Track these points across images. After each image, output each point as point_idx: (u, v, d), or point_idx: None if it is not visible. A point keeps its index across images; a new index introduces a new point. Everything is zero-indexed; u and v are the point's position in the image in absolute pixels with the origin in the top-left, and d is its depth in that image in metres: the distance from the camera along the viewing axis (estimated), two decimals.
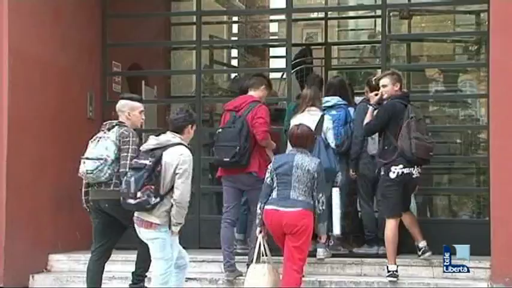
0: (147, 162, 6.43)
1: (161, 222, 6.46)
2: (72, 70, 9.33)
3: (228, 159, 7.76)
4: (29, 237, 8.47)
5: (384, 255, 7.92)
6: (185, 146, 6.60)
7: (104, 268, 7.36)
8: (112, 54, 10.18)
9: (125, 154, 6.94)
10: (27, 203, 8.42)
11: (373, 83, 8.59)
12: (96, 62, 9.92)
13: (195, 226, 9.49)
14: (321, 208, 7.06)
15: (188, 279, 8.03)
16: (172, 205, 6.43)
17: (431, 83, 12.89)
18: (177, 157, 6.45)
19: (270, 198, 7.13)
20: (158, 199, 6.41)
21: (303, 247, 7.02)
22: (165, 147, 6.50)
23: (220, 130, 8.08)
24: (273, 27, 15.83)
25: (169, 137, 6.61)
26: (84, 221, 9.37)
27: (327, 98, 8.83)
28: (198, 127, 9.82)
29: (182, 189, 6.42)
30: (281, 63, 11.90)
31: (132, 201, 6.43)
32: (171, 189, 6.45)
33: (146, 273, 7.28)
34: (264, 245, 7.15)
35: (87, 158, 7.03)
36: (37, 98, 8.66)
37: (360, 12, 14.70)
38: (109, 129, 7.15)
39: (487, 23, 8.83)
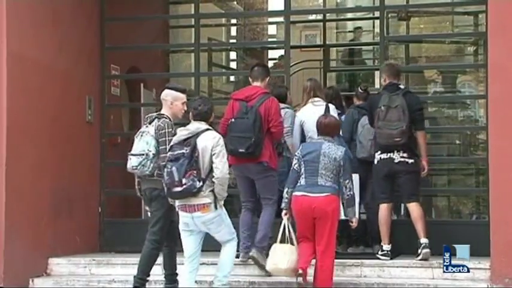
0: (183, 151, 6.86)
1: (211, 200, 6.93)
2: (71, 73, 9.33)
3: (243, 150, 7.84)
4: (29, 240, 8.47)
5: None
6: (214, 130, 7.12)
7: (158, 254, 7.65)
8: (110, 57, 10.18)
9: (163, 147, 7.24)
10: (26, 206, 8.42)
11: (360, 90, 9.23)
12: (95, 65, 9.92)
13: None
14: (348, 193, 7.43)
15: None
16: (214, 184, 6.90)
17: (430, 84, 12.90)
18: (211, 141, 6.94)
19: (299, 185, 7.49)
20: (201, 182, 6.85)
21: (332, 231, 7.42)
22: (197, 135, 6.96)
23: (233, 120, 8.06)
24: (272, 30, 15.84)
25: (197, 125, 7.06)
26: (83, 224, 9.45)
27: None
28: None
29: (221, 167, 6.91)
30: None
31: (178, 188, 6.83)
32: (210, 172, 6.91)
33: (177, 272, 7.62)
34: (288, 227, 7.50)
35: (132, 154, 7.38)
36: (36, 102, 8.65)
37: (359, 14, 14.71)
38: (150, 123, 7.49)
39: (485, 24, 8.83)
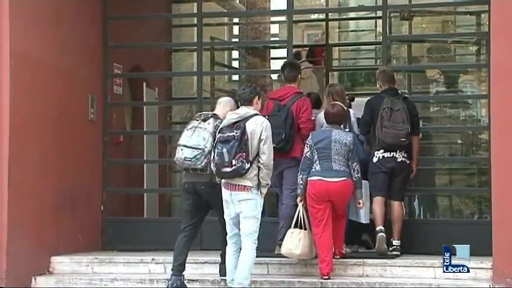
0: (233, 133, 7.23)
1: (253, 184, 7.26)
2: (74, 72, 9.34)
3: (274, 145, 7.94)
4: (31, 239, 8.48)
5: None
6: (262, 115, 7.48)
7: (190, 245, 7.95)
8: (113, 56, 10.19)
9: None
10: (29, 205, 8.43)
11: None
12: (98, 64, 9.93)
13: None
14: (356, 176, 8.00)
15: (190, 280, 8.06)
16: (259, 168, 7.25)
17: (432, 84, 12.89)
18: (260, 126, 7.31)
19: (314, 170, 8.00)
20: (249, 165, 7.20)
21: (345, 212, 8.21)
22: (246, 119, 7.31)
23: (266, 117, 8.14)
24: (274, 29, 15.81)
25: (246, 110, 7.43)
26: (86, 223, 9.46)
27: None
28: None
29: (268, 153, 7.30)
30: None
31: (228, 169, 7.20)
32: (257, 155, 7.26)
33: None
34: (303, 213, 7.97)
35: (185, 146, 7.68)
36: (39, 101, 8.67)
37: (361, 13, 14.70)
38: (204, 120, 7.80)
39: (487, 23, 8.84)
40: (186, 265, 8.12)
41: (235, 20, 15.03)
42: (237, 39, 15.32)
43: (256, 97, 7.54)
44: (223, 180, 7.37)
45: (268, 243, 8.78)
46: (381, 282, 7.77)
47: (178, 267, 7.80)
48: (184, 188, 7.95)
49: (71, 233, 9.15)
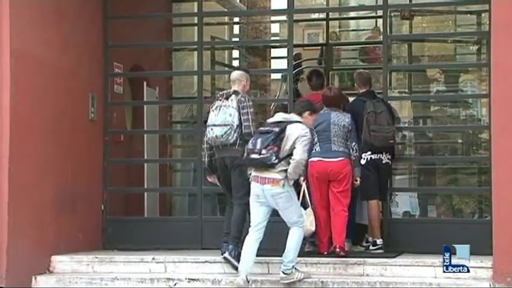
0: (273, 129, 7.58)
1: (282, 177, 7.51)
2: (74, 71, 9.34)
3: None
4: (32, 238, 8.48)
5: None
6: (305, 125, 7.76)
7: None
8: (114, 55, 10.18)
9: (246, 117, 8.06)
10: (29, 204, 8.43)
11: None
12: (98, 63, 9.92)
13: (198, 227, 9.51)
14: (355, 154, 8.47)
15: (190, 279, 8.07)
16: (290, 165, 7.50)
17: (432, 83, 12.90)
18: (299, 131, 7.59)
19: (314, 152, 8.42)
20: (277, 160, 7.46)
21: (346, 191, 8.43)
22: (289, 122, 7.66)
23: None
24: (274, 28, 15.83)
25: (293, 116, 7.83)
26: (86, 222, 9.46)
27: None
28: (199, 128, 9.90)
29: (301, 152, 7.53)
30: (282, 64, 11.93)
31: (256, 156, 7.51)
32: (287, 156, 7.51)
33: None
34: (306, 191, 8.36)
35: (214, 125, 8.12)
36: (39, 100, 8.66)
37: (361, 13, 14.72)
38: (227, 98, 8.22)
39: (488, 23, 8.84)
40: (186, 264, 8.14)
41: (236, 19, 15.04)
42: (237, 39, 15.32)
43: (306, 112, 7.88)
44: (253, 173, 7.63)
45: (269, 243, 8.80)
46: (381, 281, 7.77)
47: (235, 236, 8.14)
48: (218, 164, 8.29)
49: (71, 232, 9.15)
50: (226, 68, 14.33)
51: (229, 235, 8.19)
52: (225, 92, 8.42)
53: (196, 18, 10.45)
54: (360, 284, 7.76)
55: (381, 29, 10.43)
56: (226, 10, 14.09)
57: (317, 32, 15.72)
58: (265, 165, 7.49)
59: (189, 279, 8.06)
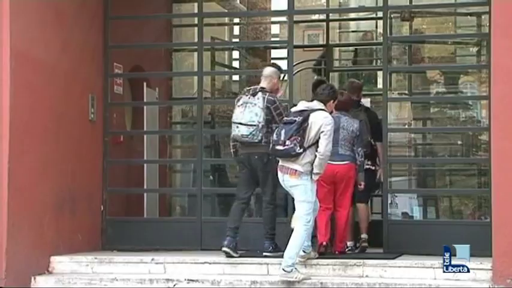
0: (296, 118, 7.70)
1: (304, 170, 7.68)
2: (74, 72, 9.33)
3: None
4: (31, 239, 8.47)
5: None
6: (328, 112, 7.92)
7: (244, 213, 8.64)
8: (114, 56, 10.18)
9: (281, 117, 8.21)
10: (29, 204, 8.43)
11: None
12: (98, 63, 9.93)
13: (197, 228, 9.52)
14: (360, 159, 8.66)
15: (190, 280, 8.07)
16: (315, 157, 7.65)
17: (432, 85, 12.90)
18: (322, 119, 7.74)
19: None
20: (302, 150, 7.63)
21: (349, 194, 8.65)
22: (312, 110, 7.79)
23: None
24: (275, 29, 15.82)
25: (316, 103, 7.91)
26: (85, 223, 9.46)
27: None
28: (200, 129, 9.91)
29: (325, 145, 7.67)
30: (282, 65, 11.90)
31: (280, 147, 7.68)
32: (313, 145, 7.67)
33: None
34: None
35: (240, 123, 8.26)
36: (39, 100, 8.66)
37: (361, 14, 14.70)
38: (253, 95, 8.35)
39: (488, 25, 8.84)
40: (185, 265, 8.14)
41: (236, 20, 15.03)
42: (237, 40, 15.32)
43: (331, 100, 8.02)
44: (279, 163, 7.83)
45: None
46: (380, 282, 7.77)
47: (235, 230, 8.40)
48: (240, 159, 8.49)
49: (70, 232, 9.15)
50: (227, 69, 14.36)
51: (232, 230, 8.39)
52: (252, 87, 8.53)
53: (196, 19, 10.45)
54: (359, 285, 7.76)
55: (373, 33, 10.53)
56: (226, 11, 14.09)
57: (317, 33, 15.71)
58: (289, 155, 7.65)
59: (188, 280, 8.06)
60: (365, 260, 8.21)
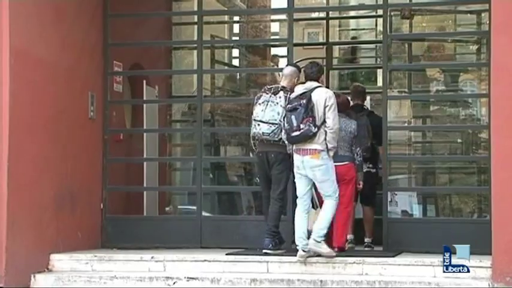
0: (300, 102, 7.91)
1: (323, 148, 7.93)
2: (74, 70, 9.33)
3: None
4: (31, 237, 8.47)
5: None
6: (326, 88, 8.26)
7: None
8: (113, 54, 10.18)
9: None
10: (28, 202, 8.42)
11: None
12: (98, 61, 9.92)
13: (197, 226, 9.51)
14: (359, 160, 8.76)
15: (189, 278, 8.06)
16: (326, 133, 7.90)
17: (432, 83, 12.91)
18: (324, 95, 8.01)
19: None
20: (316, 129, 7.87)
21: (349, 193, 8.65)
22: (311, 90, 8.00)
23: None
24: (274, 27, 15.81)
25: (310, 83, 8.12)
26: (85, 221, 9.46)
27: None
28: (199, 127, 9.90)
29: (333, 118, 7.96)
30: (282, 63, 11.91)
31: (296, 133, 7.90)
32: (324, 122, 7.92)
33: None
34: (314, 192, 8.40)
35: (261, 121, 8.31)
36: (38, 98, 8.65)
37: (361, 12, 14.70)
38: (275, 94, 8.41)
39: (488, 22, 8.83)
40: (185, 263, 8.12)
41: (236, 18, 15.03)
42: (237, 38, 15.32)
43: (322, 76, 8.33)
44: (294, 147, 8.01)
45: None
46: (380, 280, 7.77)
47: (272, 229, 8.40)
48: (259, 157, 8.56)
49: (70, 230, 9.14)
50: (226, 67, 14.36)
51: (269, 229, 8.44)
52: (273, 86, 8.61)
53: (196, 16, 10.45)
54: (359, 283, 7.76)
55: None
56: (226, 9, 14.08)
57: (317, 31, 15.71)
58: (307, 137, 7.87)
59: (188, 278, 8.05)
60: (365, 258, 8.20)
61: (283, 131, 8.13)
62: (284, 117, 8.10)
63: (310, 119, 7.86)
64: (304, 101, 7.88)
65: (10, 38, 8.20)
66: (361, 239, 9.26)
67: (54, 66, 8.95)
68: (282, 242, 8.53)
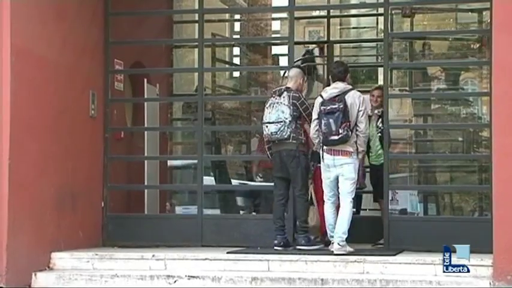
0: (336, 106, 8.23)
1: (353, 150, 8.32)
2: (75, 68, 9.32)
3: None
4: (32, 235, 8.47)
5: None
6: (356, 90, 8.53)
7: (286, 208, 8.89)
8: (114, 52, 10.17)
9: (308, 111, 8.61)
10: (29, 201, 8.42)
11: None
12: (99, 60, 9.91)
13: (198, 224, 9.51)
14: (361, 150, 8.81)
15: (190, 277, 8.06)
16: (357, 136, 8.29)
17: (433, 81, 12.91)
18: (358, 99, 8.36)
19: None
20: (351, 133, 8.24)
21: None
22: (345, 93, 8.32)
23: None
24: (275, 25, 15.83)
25: (343, 85, 8.44)
26: (86, 219, 9.46)
27: None
28: (200, 125, 9.90)
29: (365, 122, 8.39)
30: (283, 62, 11.92)
31: (335, 137, 8.21)
32: (355, 125, 8.29)
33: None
34: (312, 190, 8.96)
35: (268, 123, 8.61)
36: (39, 97, 8.65)
37: (363, 10, 14.70)
38: (279, 95, 8.68)
39: (489, 21, 8.83)
40: (186, 261, 8.11)
41: (237, 16, 15.05)
42: (238, 36, 15.33)
43: (348, 75, 8.62)
44: (325, 147, 8.32)
45: (268, 240, 8.82)
46: (381, 279, 7.76)
47: (281, 228, 8.70)
48: (273, 157, 8.80)
49: (71, 229, 9.14)
50: (227, 65, 14.36)
51: (278, 228, 8.68)
52: (277, 89, 8.89)
53: (197, 15, 10.44)
54: (360, 282, 7.76)
55: None
56: (227, 7, 14.10)
57: (318, 30, 15.71)
58: (345, 142, 8.23)
59: (189, 276, 8.05)
60: (366, 257, 8.20)
61: (318, 132, 8.37)
62: (320, 119, 8.31)
63: (347, 123, 8.19)
64: (341, 106, 8.19)
65: (11, 36, 8.19)
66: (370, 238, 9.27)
67: (55, 65, 8.95)
68: (315, 238, 8.83)
